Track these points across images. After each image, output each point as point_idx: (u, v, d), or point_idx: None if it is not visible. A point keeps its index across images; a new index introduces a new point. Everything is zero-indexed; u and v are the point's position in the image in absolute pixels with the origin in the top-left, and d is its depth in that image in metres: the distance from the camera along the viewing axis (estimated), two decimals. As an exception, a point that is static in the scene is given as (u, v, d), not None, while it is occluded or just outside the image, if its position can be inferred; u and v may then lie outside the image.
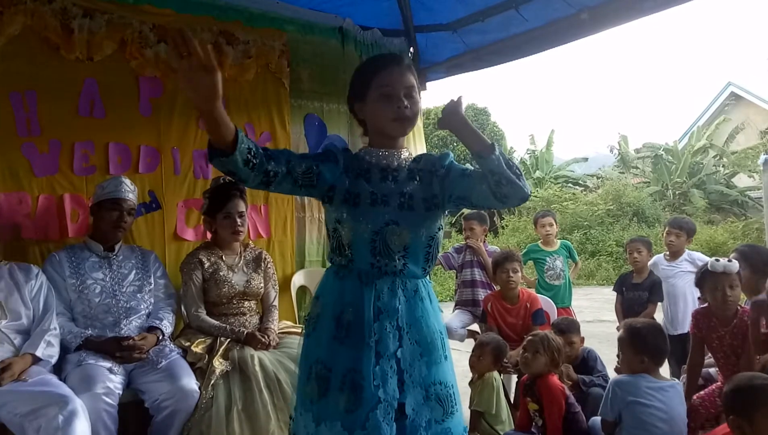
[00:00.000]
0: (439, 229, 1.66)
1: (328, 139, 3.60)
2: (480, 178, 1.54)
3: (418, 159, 1.70)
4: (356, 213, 1.58)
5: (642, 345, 2.39)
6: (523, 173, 1.52)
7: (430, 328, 1.60)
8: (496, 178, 1.47)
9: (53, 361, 2.35)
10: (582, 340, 3.11)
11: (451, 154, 1.72)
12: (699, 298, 3.63)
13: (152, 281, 2.72)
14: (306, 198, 3.57)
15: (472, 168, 1.63)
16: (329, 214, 1.64)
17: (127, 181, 2.67)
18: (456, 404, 1.61)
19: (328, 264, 4.04)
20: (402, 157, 1.67)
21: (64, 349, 2.42)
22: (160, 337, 2.57)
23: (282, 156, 1.53)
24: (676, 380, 2.53)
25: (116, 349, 2.41)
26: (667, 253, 4.07)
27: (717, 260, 2.65)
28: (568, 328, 3.10)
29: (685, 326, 3.85)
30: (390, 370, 1.52)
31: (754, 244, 5.02)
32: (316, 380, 1.56)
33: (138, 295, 2.64)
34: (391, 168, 1.65)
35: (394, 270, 1.58)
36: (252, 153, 1.43)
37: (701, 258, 4.03)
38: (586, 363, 3.02)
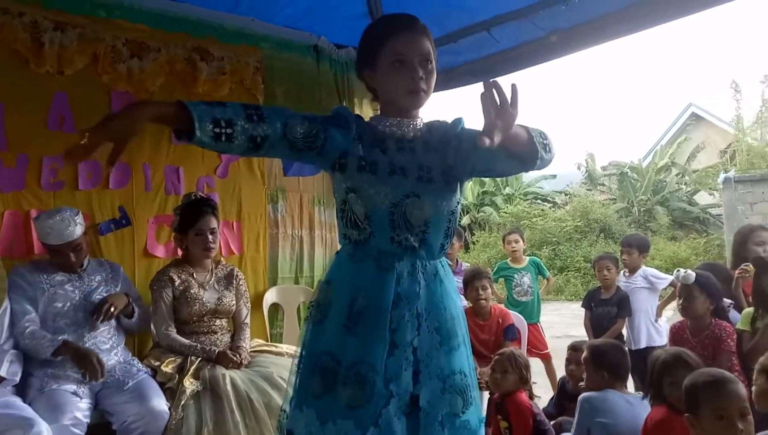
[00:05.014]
0: (458, 203, 1.54)
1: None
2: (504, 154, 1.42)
3: (430, 127, 1.58)
4: (374, 181, 1.45)
5: (602, 360, 2.51)
6: (548, 139, 1.44)
7: (450, 313, 1.49)
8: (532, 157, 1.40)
9: (17, 379, 2.29)
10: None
11: (463, 120, 1.57)
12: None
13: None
14: (279, 214, 3.54)
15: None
16: (339, 183, 1.50)
17: (58, 219, 2.41)
18: (474, 392, 1.50)
19: (301, 281, 3.89)
20: (416, 126, 1.54)
21: (30, 363, 2.35)
22: (130, 300, 2.60)
23: (278, 117, 1.37)
24: (641, 394, 2.59)
25: (93, 358, 2.33)
26: (626, 270, 4.19)
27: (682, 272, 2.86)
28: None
29: (642, 341, 3.95)
30: (405, 361, 1.41)
31: (715, 262, 5.18)
32: (321, 373, 1.42)
33: None
34: (407, 139, 1.52)
35: (413, 246, 1.46)
36: (222, 124, 1.30)
37: (654, 274, 4.17)
38: (565, 391, 3.06)
